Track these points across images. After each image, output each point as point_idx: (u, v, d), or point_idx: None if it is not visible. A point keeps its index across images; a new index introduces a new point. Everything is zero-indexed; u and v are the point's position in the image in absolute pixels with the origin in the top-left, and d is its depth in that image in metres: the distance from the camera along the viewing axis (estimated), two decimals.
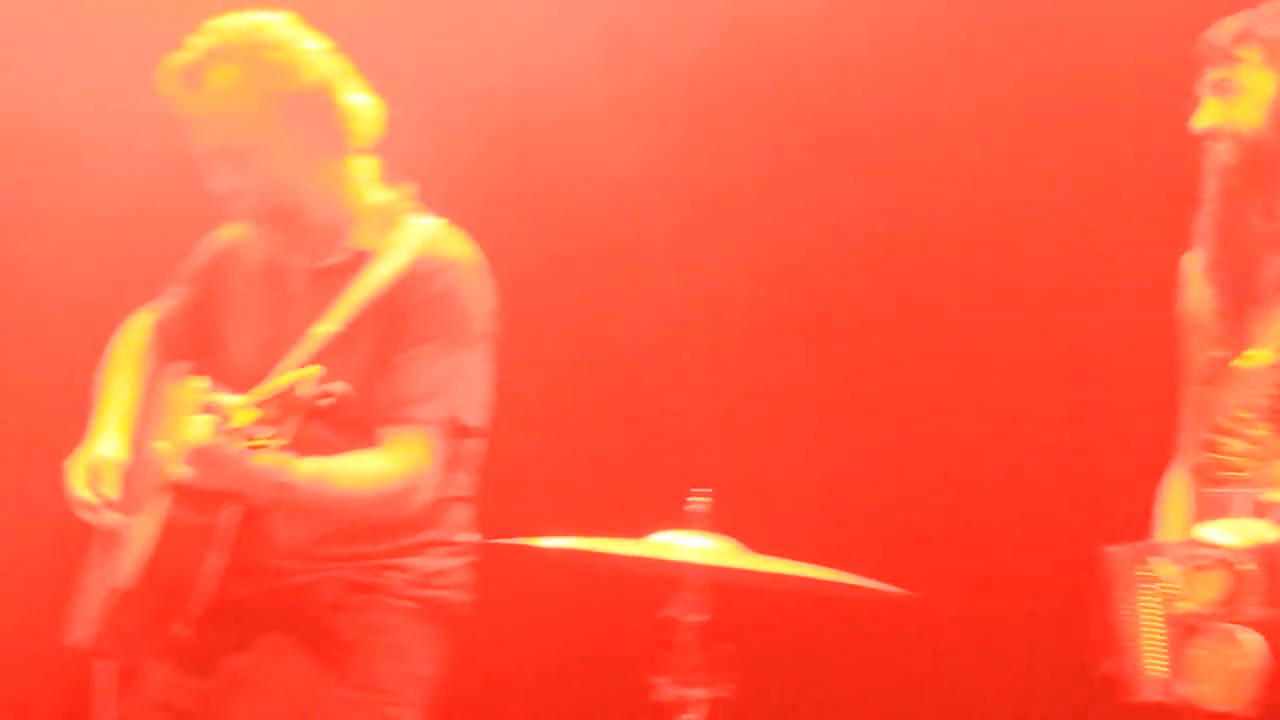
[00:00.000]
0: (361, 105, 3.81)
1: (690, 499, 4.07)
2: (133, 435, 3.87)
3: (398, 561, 3.77)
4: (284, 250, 3.83)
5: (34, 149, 5.42)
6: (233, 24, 3.75)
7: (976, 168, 5.27)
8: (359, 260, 3.77)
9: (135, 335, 4.05)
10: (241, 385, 3.62)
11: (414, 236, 3.79)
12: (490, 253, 3.88)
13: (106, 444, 3.83)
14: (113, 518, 3.74)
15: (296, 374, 3.42)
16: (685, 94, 5.36)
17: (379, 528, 3.75)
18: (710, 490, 4.10)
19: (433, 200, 3.92)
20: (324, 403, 3.40)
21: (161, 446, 3.62)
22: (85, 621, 3.80)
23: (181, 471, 3.55)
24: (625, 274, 5.41)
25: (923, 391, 5.27)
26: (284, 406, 3.38)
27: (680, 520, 4.09)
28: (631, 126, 5.33)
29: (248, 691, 3.74)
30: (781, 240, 5.37)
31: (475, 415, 3.77)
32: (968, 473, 5.17)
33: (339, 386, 3.43)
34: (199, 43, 3.74)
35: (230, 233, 3.96)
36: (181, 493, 3.65)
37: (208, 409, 3.46)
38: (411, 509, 3.73)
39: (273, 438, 3.38)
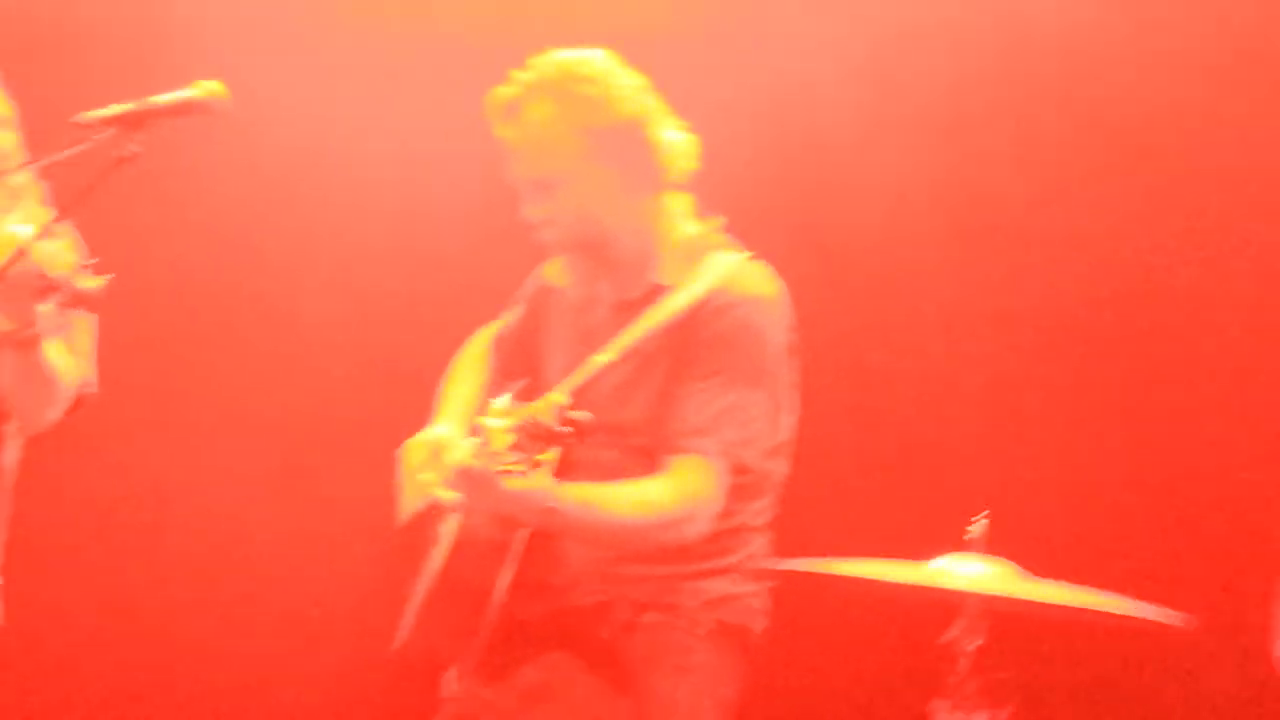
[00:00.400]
0: (676, 140, 3.85)
1: (970, 524, 4.03)
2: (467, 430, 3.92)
3: (691, 585, 3.79)
4: (591, 281, 3.90)
5: (322, 179, 5.59)
6: (552, 60, 3.83)
7: (1254, 176, 5.14)
8: (656, 294, 3.81)
9: (474, 349, 4.18)
10: None
11: (713, 271, 3.81)
12: None
13: (443, 429, 3.90)
14: (416, 502, 3.84)
15: (543, 402, 3.46)
16: (948, 106, 5.31)
17: (672, 551, 3.77)
18: (988, 513, 4.05)
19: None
20: (565, 430, 3.41)
21: (425, 476, 3.69)
22: (406, 626, 3.90)
23: (447, 496, 3.62)
24: (894, 291, 5.37)
25: (1211, 410, 5.14)
26: (532, 434, 3.41)
27: (960, 545, 4.05)
28: (895, 140, 5.31)
29: (538, 709, 3.79)
30: (1058, 253, 5.29)
31: (752, 453, 3.78)
32: (1263, 494, 5.03)
33: (583, 416, 3.44)
34: (521, 77, 3.83)
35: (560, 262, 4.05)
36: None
37: (474, 431, 3.52)
38: (686, 537, 3.73)
39: (521, 462, 3.39)
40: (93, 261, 3.67)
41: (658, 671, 3.75)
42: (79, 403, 4.02)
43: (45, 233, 3.63)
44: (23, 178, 3.89)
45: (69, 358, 3.94)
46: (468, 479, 3.51)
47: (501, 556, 3.70)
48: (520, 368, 4.05)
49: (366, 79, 5.51)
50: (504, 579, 3.70)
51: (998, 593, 4.00)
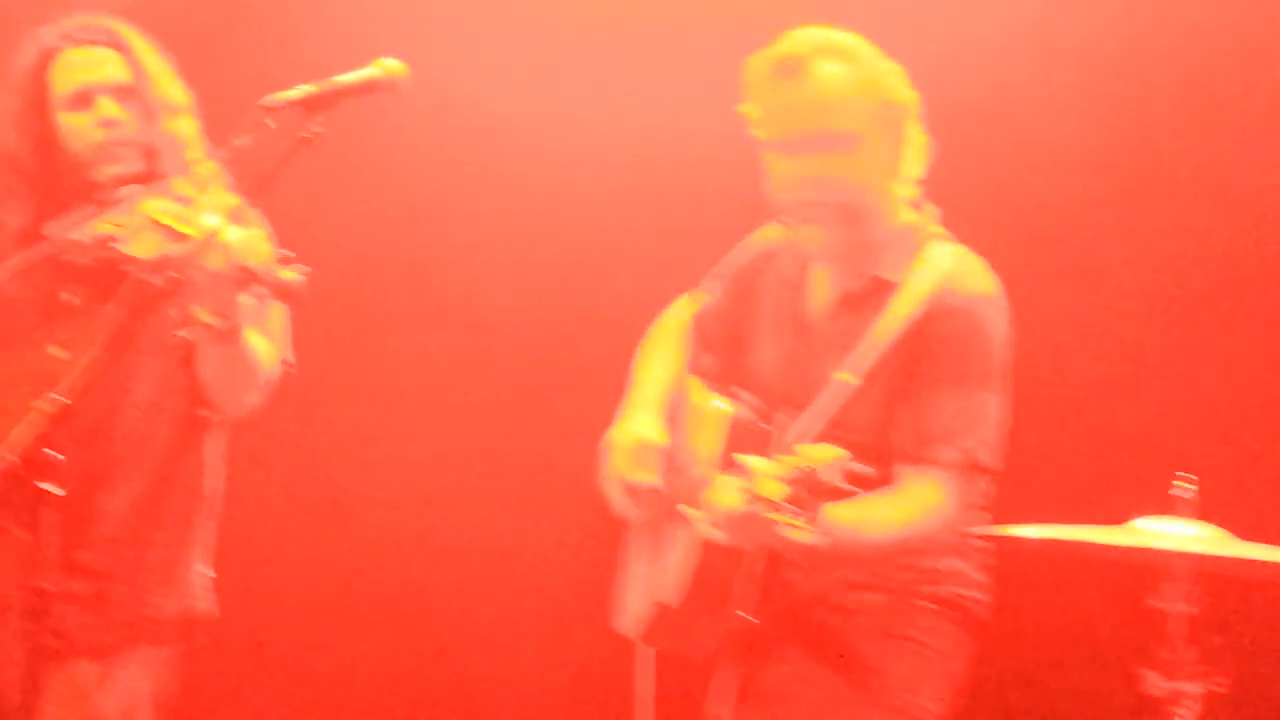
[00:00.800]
0: (922, 137, 3.87)
1: (1175, 484, 3.92)
2: (666, 419, 3.98)
3: (911, 561, 3.83)
4: (824, 258, 3.88)
5: (505, 163, 5.59)
6: (829, 31, 3.83)
7: None
8: (881, 290, 3.81)
9: (673, 322, 4.17)
10: (760, 391, 3.83)
11: (935, 267, 3.81)
12: None
13: (646, 425, 3.93)
14: (639, 509, 3.88)
15: (823, 456, 3.42)
16: (1113, 78, 5.21)
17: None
18: (1195, 477, 3.94)
19: None
20: (849, 488, 3.43)
21: (693, 513, 3.70)
22: (632, 615, 3.95)
23: (713, 533, 3.64)
24: (1073, 258, 5.27)
25: None
26: (812, 489, 3.40)
27: (1164, 506, 3.94)
28: (1061, 112, 5.23)
29: (774, 701, 3.80)
30: (1233, 217, 5.16)
31: (991, 455, 3.79)
32: None
33: (865, 470, 3.50)
34: (800, 37, 3.81)
35: (770, 235, 4.04)
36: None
37: (737, 470, 3.51)
38: (935, 539, 3.80)
39: (800, 516, 3.39)
40: (289, 253, 3.69)
41: (884, 649, 3.78)
42: (279, 384, 4.05)
43: (240, 221, 3.65)
44: (208, 166, 3.91)
45: (265, 343, 3.97)
46: (734, 523, 3.54)
47: (739, 559, 3.75)
48: (720, 345, 4.06)
49: (552, 63, 5.51)
50: (743, 583, 3.76)
51: (1210, 553, 3.87)
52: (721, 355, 4.07)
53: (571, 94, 5.48)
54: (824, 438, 3.64)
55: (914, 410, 3.73)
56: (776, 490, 3.38)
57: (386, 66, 3.64)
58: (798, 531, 3.36)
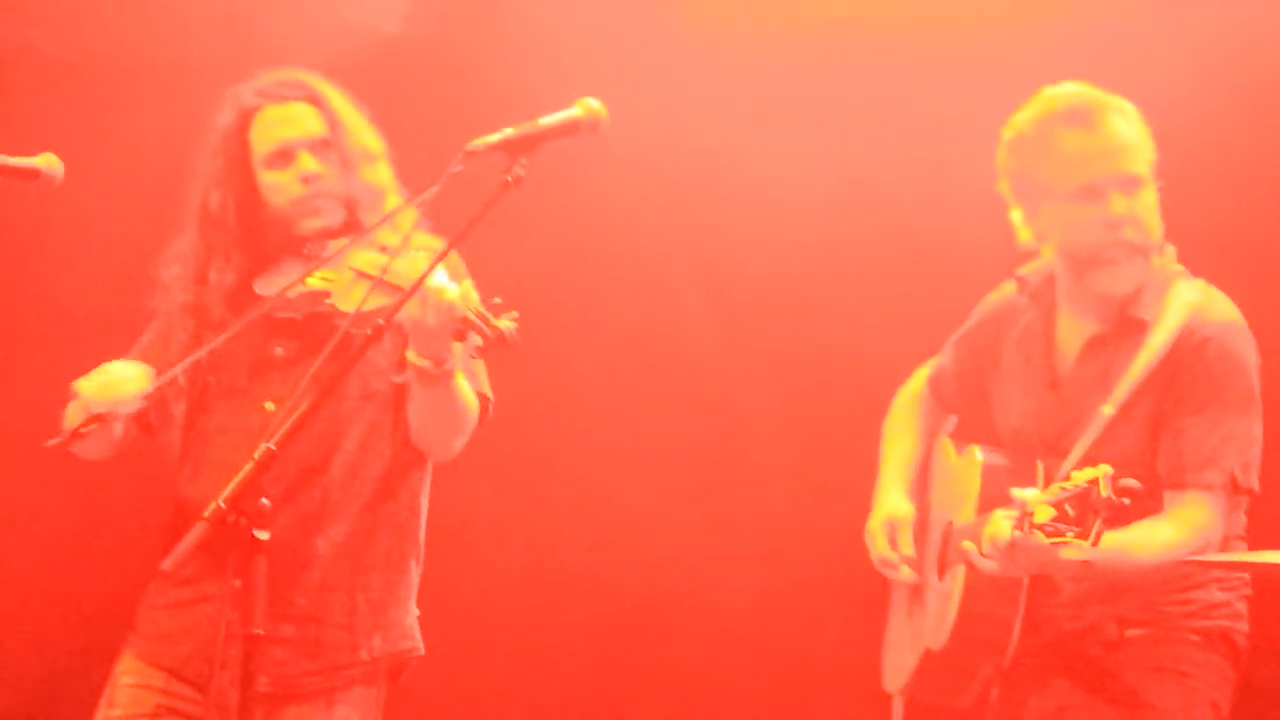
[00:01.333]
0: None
1: None
2: (913, 488, 4.21)
3: (1178, 596, 3.88)
4: (1082, 304, 3.98)
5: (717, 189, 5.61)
6: (1086, 87, 4.01)
7: None
8: (1131, 329, 3.91)
9: (910, 393, 4.34)
10: (1015, 445, 3.98)
11: (1183, 301, 3.92)
12: None
13: (899, 502, 4.15)
14: (910, 574, 4.06)
15: (1092, 473, 3.50)
16: None
17: (1168, 579, 3.88)
18: None
19: None
20: (1121, 501, 3.47)
21: (966, 545, 3.79)
22: (899, 672, 4.13)
23: (986, 565, 3.72)
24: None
25: None
26: (1083, 506, 3.47)
27: None
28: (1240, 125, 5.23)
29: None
30: None
31: (1250, 477, 3.86)
32: None
33: (1134, 484, 3.50)
34: (1073, 92, 3.99)
35: (1005, 293, 4.17)
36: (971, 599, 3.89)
37: (1008, 502, 3.62)
38: (1196, 573, 3.87)
39: (1073, 534, 3.48)
40: (498, 300, 3.73)
41: (1152, 681, 3.83)
42: (480, 423, 4.06)
43: (447, 269, 3.71)
44: (409, 213, 3.92)
45: (467, 384, 3.98)
46: (1008, 553, 3.63)
47: (1006, 600, 3.86)
48: (959, 403, 4.25)
49: (733, 95, 5.49)
50: (1014, 622, 3.86)
51: None
52: (963, 412, 4.27)
53: (781, 135, 5.47)
54: (1084, 465, 3.70)
55: (1176, 438, 3.83)
56: (1046, 513, 3.49)
57: (589, 107, 3.64)
58: (1069, 549, 3.46)
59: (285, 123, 4.17)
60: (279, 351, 4.14)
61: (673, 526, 5.69)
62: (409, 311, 3.73)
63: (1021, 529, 3.52)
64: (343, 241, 4.06)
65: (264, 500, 3.46)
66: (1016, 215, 4.01)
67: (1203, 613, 3.88)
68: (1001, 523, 3.62)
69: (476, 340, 3.69)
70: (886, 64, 5.33)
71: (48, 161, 3.79)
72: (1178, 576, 3.85)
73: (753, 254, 5.59)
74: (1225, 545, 3.90)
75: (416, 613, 4.26)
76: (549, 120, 3.60)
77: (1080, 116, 3.94)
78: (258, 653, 3.62)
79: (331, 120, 4.18)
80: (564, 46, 5.51)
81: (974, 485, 3.95)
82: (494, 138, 3.56)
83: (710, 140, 5.57)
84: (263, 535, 3.48)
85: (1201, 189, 5.08)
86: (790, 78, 5.49)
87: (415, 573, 4.25)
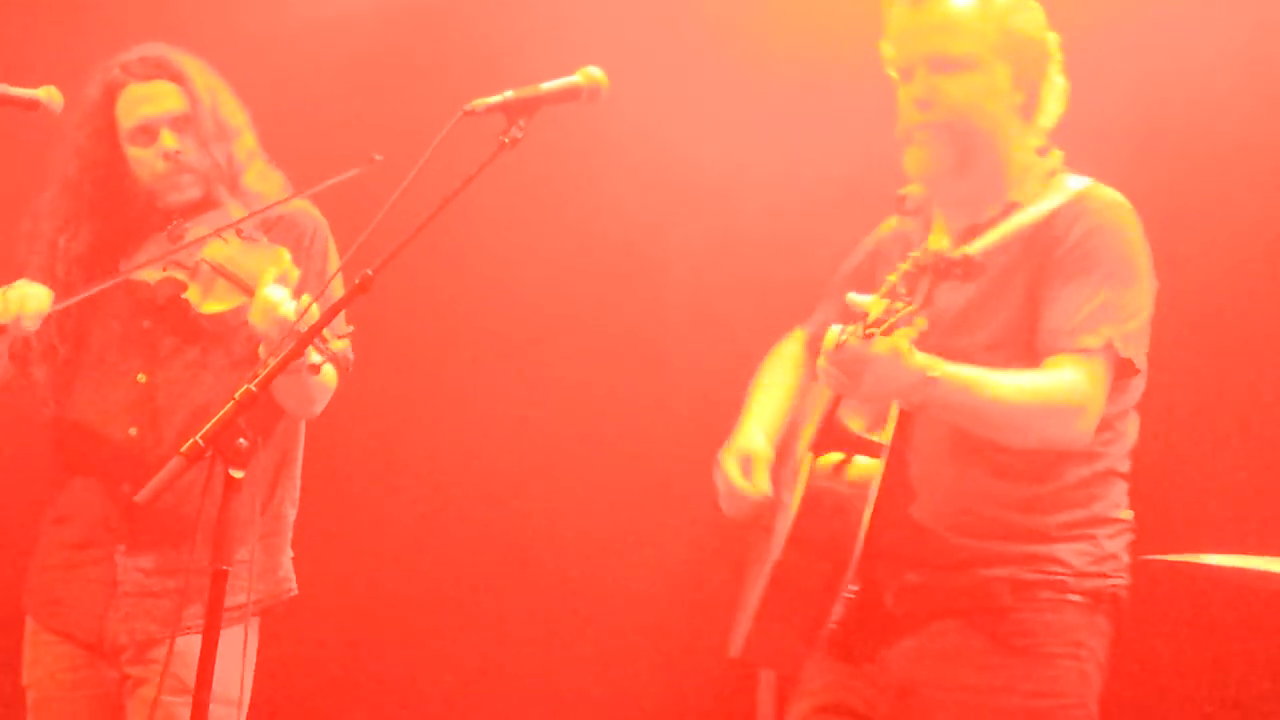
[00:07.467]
0: (1060, 84, 3.85)
1: None
2: (780, 439, 3.95)
3: (1063, 549, 3.69)
4: (932, 184, 3.84)
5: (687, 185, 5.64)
6: None
7: None
8: (1010, 211, 3.76)
9: (783, 351, 4.17)
10: None
11: (1065, 188, 3.77)
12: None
13: (756, 438, 3.92)
14: (756, 500, 3.83)
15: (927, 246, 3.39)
16: None
17: (1043, 499, 3.69)
18: None
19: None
20: (956, 258, 3.33)
21: (820, 364, 3.55)
22: (741, 635, 3.87)
23: (829, 376, 3.51)
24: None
25: None
26: (916, 272, 3.34)
27: None
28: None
29: (919, 692, 3.72)
30: None
31: (1133, 349, 3.70)
32: None
33: (976, 252, 3.38)
34: None
35: (883, 230, 4.04)
36: (812, 503, 3.66)
37: (844, 317, 3.46)
38: (1075, 436, 3.65)
39: (904, 305, 3.32)
40: (349, 330, 3.98)
41: (1040, 652, 3.66)
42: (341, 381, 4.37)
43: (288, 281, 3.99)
44: (273, 179, 4.47)
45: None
46: (837, 357, 3.43)
47: (839, 552, 3.62)
48: None
49: (731, 74, 5.52)
50: (849, 572, 3.63)
51: None
52: None
53: (770, 134, 5.50)
54: (956, 333, 3.63)
55: (1051, 305, 3.66)
56: (880, 306, 3.35)
57: (590, 75, 3.67)
58: (898, 335, 3.30)
59: (148, 100, 4.42)
60: (146, 325, 4.44)
61: (672, 524, 5.71)
62: (253, 319, 4.10)
63: (854, 331, 3.35)
64: (203, 230, 4.35)
65: (241, 440, 3.50)
66: None
67: (1092, 570, 3.69)
68: (832, 334, 3.43)
69: (315, 357, 3.83)
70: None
71: (48, 93, 3.89)
72: (1063, 510, 3.67)
73: (751, 251, 5.62)
74: (1108, 480, 3.74)
75: (291, 554, 4.56)
76: (550, 85, 3.64)
77: None
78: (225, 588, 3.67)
79: (193, 97, 4.42)
80: (570, 25, 5.55)
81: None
82: (494, 99, 3.59)
83: (709, 136, 5.59)
84: (237, 474, 3.52)
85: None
86: (792, 75, 5.52)
87: (291, 517, 4.56)
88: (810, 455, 3.67)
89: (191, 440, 3.43)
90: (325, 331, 3.77)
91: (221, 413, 3.44)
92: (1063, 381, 3.60)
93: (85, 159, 4.46)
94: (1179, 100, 5.19)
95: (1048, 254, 3.69)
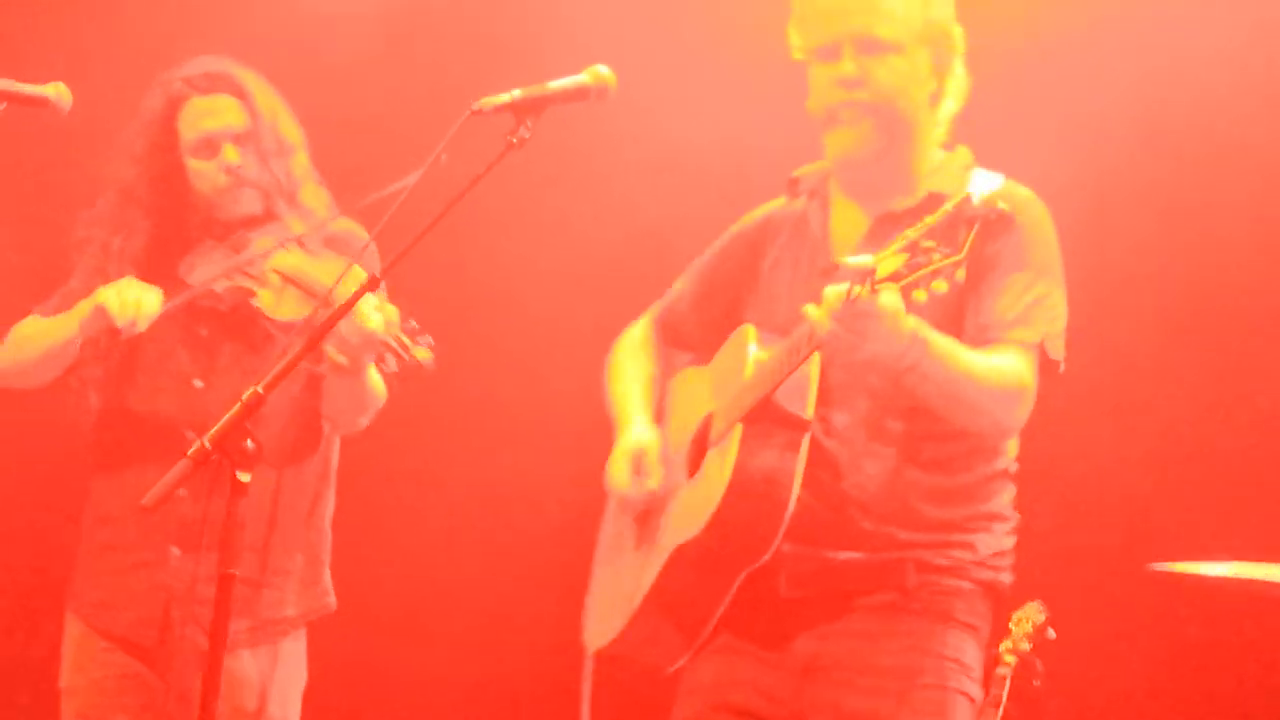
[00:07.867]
0: (961, 76, 3.84)
1: None
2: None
3: (966, 538, 3.71)
4: (852, 165, 3.81)
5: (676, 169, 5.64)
6: None
7: None
8: (931, 201, 3.66)
9: (633, 339, 4.14)
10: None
11: (984, 181, 3.71)
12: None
13: (643, 430, 3.92)
14: (650, 490, 3.83)
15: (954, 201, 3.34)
16: None
17: (953, 492, 3.70)
18: None
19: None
20: (985, 211, 3.29)
21: (810, 311, 3.48)
22: (612, 617, 3.88)
23: (822, 334, 3.45)
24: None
25: None
26: (951, 228, 3.29)
27: None
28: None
29: (825, 671, 3.69)
30: None
31: (1057, 347, 3.70)
32: None
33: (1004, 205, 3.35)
34: None
35: (760, 210, 4.01)
36: (741, 480, 3.62)
37: (840, 276, 3.40)
38: (1014, 422, 3.67)
39: (943, 256, 3.27)
40: (414, 324, 4.03)
41: (941, 628, 3.67)
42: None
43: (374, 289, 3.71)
44: (320, 196, 4.50)
45: (376, 371, 4.28)
46: (853, 311, 3.38)
47: (761, 528, 3.59)
48: (697, 338, 4.00)
49: (740, 73, 5.51)
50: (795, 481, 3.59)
51: None
52: (696, 349, 4.00)
53: (779, 131, 5.47)
54: None
55: (986, 297, 3.65)
56: (893, 263, 3.30)
57: (597, 74, 3.66)
58: (936, 281, 3.25)
59: (210, 114, 4.47)
60: (203, 333, 4.47)
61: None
62: (342, 329, 4.04)
63: (863, 286, 3.29)
64: (269, 241, 4.39)
65: (249, 443, 3.48)
66: None
67: (985, 561, 3.70)
68: (832, 292, 3.37)
69: (392, 365, 3.92)
70: None
71: (57, 90, 3.87)
72: (968, 504, 3.69)
73: None
74: (1003, 480, 3.75)
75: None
76: (557, 85, 3.62)
77: None
78: (231, 594, 3.65)
79: (254, 113, 4.47)
80: (577, 23, 5.55)
81: (747, 360, 3.69)
82: (502, 98, 3.57)
83: (717, 135, 5.59)
84: (244, 477, 3.49)
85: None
86: (800, 73, 5.50)
87: (329, 531, 4.57)
88: (740, 427, 3.63)
89: (198, 443, 3.38)
90: (404, 338, 3.89)
91: (228, 415, 3.38)
92: (1014, 366, 3.62)
93: (143, 167, 4.50)
94: (1179, 100, 5.20)
95: (979, 253, 3.60)
